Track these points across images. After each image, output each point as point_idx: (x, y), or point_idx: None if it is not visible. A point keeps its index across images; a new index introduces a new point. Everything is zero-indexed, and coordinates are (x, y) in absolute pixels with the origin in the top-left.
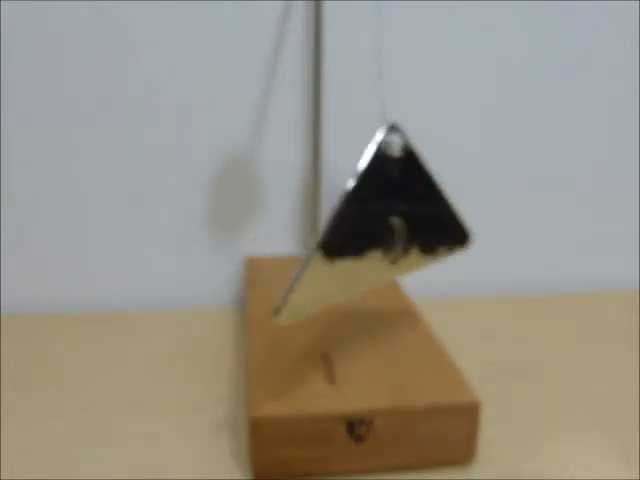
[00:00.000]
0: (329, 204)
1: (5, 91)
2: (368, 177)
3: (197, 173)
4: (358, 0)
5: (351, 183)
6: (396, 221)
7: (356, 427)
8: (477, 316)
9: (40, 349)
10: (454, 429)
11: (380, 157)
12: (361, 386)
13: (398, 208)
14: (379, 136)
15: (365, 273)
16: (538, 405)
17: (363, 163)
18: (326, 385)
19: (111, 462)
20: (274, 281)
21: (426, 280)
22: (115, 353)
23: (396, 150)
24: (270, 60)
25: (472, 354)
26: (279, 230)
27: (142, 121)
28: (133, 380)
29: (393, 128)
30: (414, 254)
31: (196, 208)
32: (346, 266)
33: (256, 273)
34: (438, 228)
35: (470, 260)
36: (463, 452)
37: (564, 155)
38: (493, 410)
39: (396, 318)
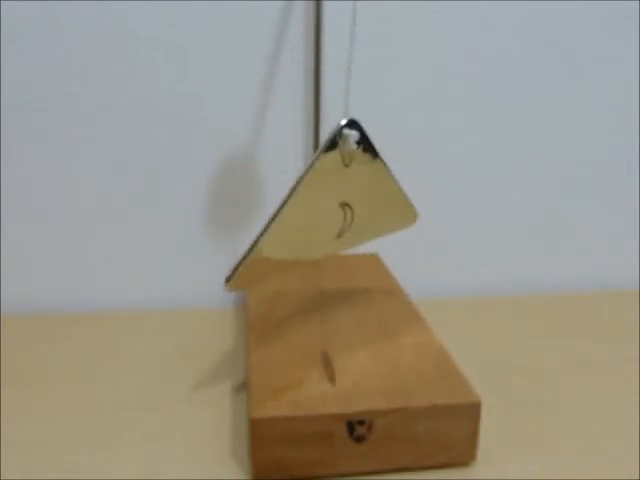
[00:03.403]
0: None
1: (5, 91)
2: (321, 168)
3: (197, 173)
4: (358, 0)
5: (302, 174)
6: (345, 203)
7: (356, 427)
8: (477, 316)
9: (40, 349)
10: (455, 429)
11: (334, 148)
12: (361, 386)
13: (347, 194)
14: (337, 129)
15: (313, 244)
16: (538, 405)
17: (317, 154)
18: (326, 385)
19: (111, 462)
20: (274, 281)
21: (426, 280)
22: (115, 353)
23: (352, 144)
24: (270, 60)
25: (472, 354)
26: None
27: (142, 121)
28: (133, 380)
29: (352, 122)
30: (359, 229)
31: (196, 208)
32: (296, 239)
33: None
34: (384, 207)
35: (470, 260)
36: (463, 452)
37: (564, 155)
38: (493, 410)
39: (396, 318)
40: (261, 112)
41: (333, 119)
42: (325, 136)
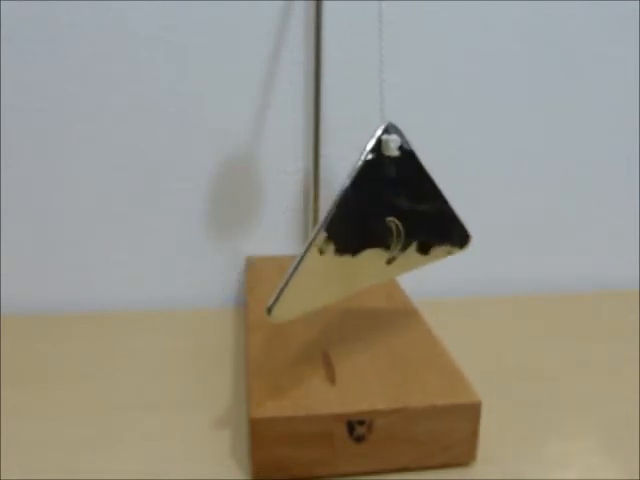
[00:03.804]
0: (329, 204)
1: (5, 91)
2: (365, 176)
3: (197, 173)
4: (358, 0)
5: (348, 182)
6: (393, 220)
7: (356, 427)
8: (477, 316)
9: (40, 349)
10: (455, 429)
11: (377, 156)
12: (361, 386)
13: (396, 208)
14: (377, 135)
15: (360, 271)
16: (538, 405)
17: (359, 162)
18: (326, 385)
19: (111, 462)
20: (274, 281)
21: (426, 280)
22: (115, 353)
23: (393, 149)
24: (270, 60)
25: (472, 354)
26: (279, 230)
27: (142, 121)
28: (133, 380)
29: (391, 127)
30: (411, 254)
31: (196, 208)
32: (342, 263)
33: (256, 273)
34: (436, 228)
35: (470, 260)
36: (464, 452)
37: (564, 155)
38: (493, 410)
39: (396, 318)
40: (261, 112)
41: (333, 119)
42: (326, 137)
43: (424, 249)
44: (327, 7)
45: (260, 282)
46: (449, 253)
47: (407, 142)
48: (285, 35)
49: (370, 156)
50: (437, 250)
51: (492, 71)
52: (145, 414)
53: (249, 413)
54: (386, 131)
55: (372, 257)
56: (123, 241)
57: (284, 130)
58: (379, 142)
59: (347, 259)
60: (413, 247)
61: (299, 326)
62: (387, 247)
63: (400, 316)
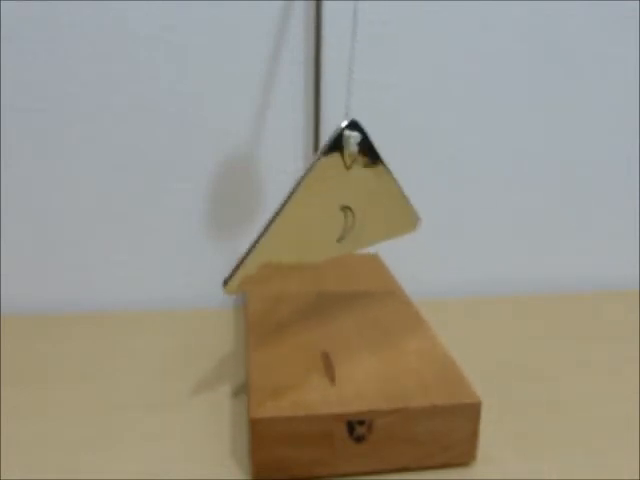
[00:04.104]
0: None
1: (5, 91)
2: (324, 168)
3: (197, 173)
4: (359, 0)
5: (306, 172)
6: (346, 205)
7: (356, 427)
8: (477, 316)
9: (40, 349)
10: (455, 429)
11: (337, 150)
12: (361, 386)
13: (350, 196)
14: (338, 130)
15: (313, 248)
16: (538, 405)
17: (320, 154)
18: (326, 385)
19: (111, 462)
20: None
21: (426, 280)
22: (115, 353)
23: (353, 144)
24: (270, 60)
25: (472, 354)
26: None
27: (142, 121)
28: (133, 380)
29: (353, 124)
30: (361, 233)
31: (196, 208)
32: (296, 243)
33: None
34: (387, 211)
35: (470, 260)
36: (464, 452)
37: (564, 155)
38: (493, 410)
39: (396, 318)
40: (261, 112)
41: (333, 119)
42: (325, 137)
43: (374, 228)
44: (327, 7)
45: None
46: (398, 234)
47: (368, 138)
48: (285, 35)
49: (330, 150)
50: (387, 230)
51: (492, 71)
52: (145, 414)
53: (249, 413)
54: (348, 127)
55: (324, 235)
56: (123, 241)
57: (284, 130)
58: (340, 137)
59: (300, 238)
60: (363, 226)
61: (299, 326)
62: (339, 227)
63: (400, 316)
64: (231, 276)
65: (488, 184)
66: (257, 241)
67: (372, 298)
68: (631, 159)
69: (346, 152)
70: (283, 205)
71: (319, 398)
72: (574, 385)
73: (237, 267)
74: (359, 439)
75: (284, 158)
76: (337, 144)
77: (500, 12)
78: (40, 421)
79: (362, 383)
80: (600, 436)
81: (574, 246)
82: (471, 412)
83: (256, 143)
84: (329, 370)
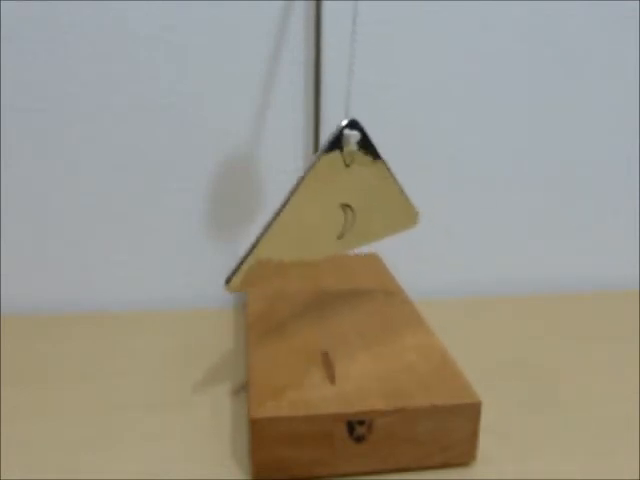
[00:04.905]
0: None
1: (5, 91)
2: (324, 168)
3: (197, 173)
4: (359, 0)
5: (307, 172)
6: (346, 203)
7: (356, 427)
8: (477, 316)
9: (40, 349)
10: (455, 429)
11: (337, 149)
12: (361, 386)
13: (350, 194)
14: (339, 129)
15: (314, 245)
16: (538, 405)
17: (320, 154)
18: (326, 385)
19: (111, 462)
20: (274, 281)
21: (426, 280)
22: (115, 353)
23: (352, 144)
24: (270, 60)
25: (472, 354)
26: None
27: (142, 121)
28: (133, 380)
29: (353, 123)
30: (361, 230)
31: (196, 208)
32: (296, 241)
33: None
34: (386, 207)
35: (470, 260)
36: (463, 452)
37: (564, 155)
38: (493, 410)
39: (396, 318)
40: (261, 112)
41: (333, 119)
42: (325, 136)
43: (373, 226)
44: (327, 7)
45: (260, 282)
46: (397, 230)
47: (368, 137)
48: (285, 35)
49: (330, 149)
50: (386, 227)
51: (492, 71)
52: (145, 414)
53: (249, 413)
54: (348, 126)
55: (324, 232)
56: (123, 241)
57: (284, 130)
58: (340, 136)
59: (301, 236)
60: (363, 224)
61: (299, 326)
62: (339, 225)
63: (400, 316)
64: (233, 274)
65: (488, 184)
66: (257, 239)
67: (372, 298)
68: (631, 159)
69: (346, 150)
70: (284, 203)
71: (319, 398)
72: (574, 385)
73: (239, 265)
74: (359, 439)
75: (284, 158)
76: (337, 143)
77: (500, 12)
78: (40, 421)
79: (362, 383)
80: (600, 436)
81: (574, 246)
82: (471, 412)
83: (256, 143)
84: (329, 370)
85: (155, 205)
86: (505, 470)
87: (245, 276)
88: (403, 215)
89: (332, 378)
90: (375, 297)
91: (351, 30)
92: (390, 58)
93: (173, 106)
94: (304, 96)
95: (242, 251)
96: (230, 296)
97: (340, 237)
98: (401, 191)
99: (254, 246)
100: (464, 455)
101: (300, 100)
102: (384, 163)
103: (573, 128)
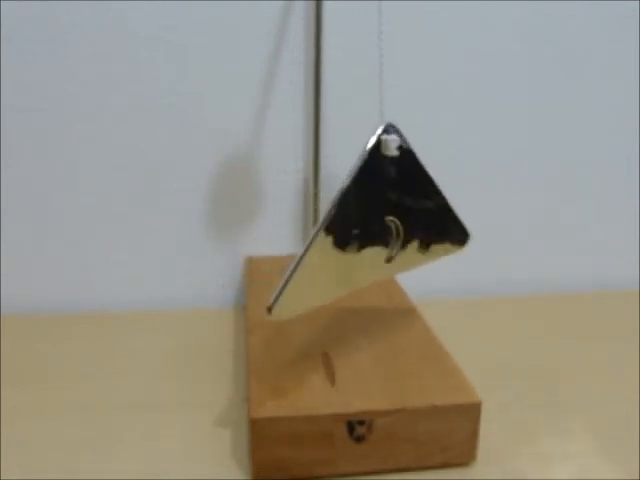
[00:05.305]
0: (329, 204)
1: (5, 91)
2: (365, 176)
3: (197, 173)
4: (358, 0)
5: (348, 181)
6: (393, 220)
7: (356, 427)
8: (477, 316)
9: (40, 349)
10: (455, 429)
11: (376, 155)
12: (361, 386)
13: (395, 207)
14: (377, 135)
15: (360, 270)
16: (538, 405)
17: (359, 161)
18: (326, 385)
19: (111, 462)
20: (274, 281)
21: (426, 280)
22: (115, 353)
23: (393, 149)
24: (270, 60)
25: (472, 354)
26: (279, 230)
27: (142, 121)
28: (133, 380)
29: (390, 127)
30: (410, 252)
31: (196, 208)
32: (341, 261)
33: (256, 273)
34: (435, 227)
35: (470, 260)
36: (463, 452)
37: (564, 155)
38: (493, 410)
39: (396, 318)
40: (261, 112)
41: (333, 119)
42: (326, 137)
43: (423, 247)
44: (327, 7)
45: (260, 282)
46: (448, 252)
47: (406, 142)
48: (285, 35)
49: (370, 156)
50: (436, 248)
51: (492, 71)
52: (145, 414)
53: (249, 413)
54: (386, 131)
55: (371, 255)
56: (123, 241)
57: (284, 130)
58: (379, 142)
59: (347, 257)
60: (412, 246)
61: (299, 326)
62: (386, 245)
63: (400, 316)
64: (275, 301)
65: (488, 184)
66: (301, 259)
67: (372, 298)
68: (631, 159)
69: (387, 158)
70: (324, 221)
71: (319, 398)
72: (574, 385)
73: (280, 291)
74: (359, 439)
75: (284, 158)
76: (377, 150)
77: (500, 12)
78: (40, 421)
79: (362, 383)
80: (600, 436)
81: (574, 246)
82: (471, 412)
83: (256, 143)
84: (329, 370)
85: (155, 205)
86: (505, 470)
87: (287, 303)
88: (452, 237)
89: (332, 378)
90: (375, 297)
91: (378, 30)
92: (390, 58)
93: (173, 106)
94: (304, 96)
95: (242, 251)
96: (230, 296)
97: (388, 261)
98: (451, 211)
99: (296, 267)
100: (464, 455)
101: (300, 100)
102: (433, 183)
103: (573, 128)
